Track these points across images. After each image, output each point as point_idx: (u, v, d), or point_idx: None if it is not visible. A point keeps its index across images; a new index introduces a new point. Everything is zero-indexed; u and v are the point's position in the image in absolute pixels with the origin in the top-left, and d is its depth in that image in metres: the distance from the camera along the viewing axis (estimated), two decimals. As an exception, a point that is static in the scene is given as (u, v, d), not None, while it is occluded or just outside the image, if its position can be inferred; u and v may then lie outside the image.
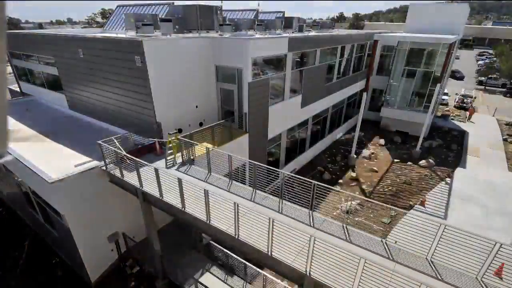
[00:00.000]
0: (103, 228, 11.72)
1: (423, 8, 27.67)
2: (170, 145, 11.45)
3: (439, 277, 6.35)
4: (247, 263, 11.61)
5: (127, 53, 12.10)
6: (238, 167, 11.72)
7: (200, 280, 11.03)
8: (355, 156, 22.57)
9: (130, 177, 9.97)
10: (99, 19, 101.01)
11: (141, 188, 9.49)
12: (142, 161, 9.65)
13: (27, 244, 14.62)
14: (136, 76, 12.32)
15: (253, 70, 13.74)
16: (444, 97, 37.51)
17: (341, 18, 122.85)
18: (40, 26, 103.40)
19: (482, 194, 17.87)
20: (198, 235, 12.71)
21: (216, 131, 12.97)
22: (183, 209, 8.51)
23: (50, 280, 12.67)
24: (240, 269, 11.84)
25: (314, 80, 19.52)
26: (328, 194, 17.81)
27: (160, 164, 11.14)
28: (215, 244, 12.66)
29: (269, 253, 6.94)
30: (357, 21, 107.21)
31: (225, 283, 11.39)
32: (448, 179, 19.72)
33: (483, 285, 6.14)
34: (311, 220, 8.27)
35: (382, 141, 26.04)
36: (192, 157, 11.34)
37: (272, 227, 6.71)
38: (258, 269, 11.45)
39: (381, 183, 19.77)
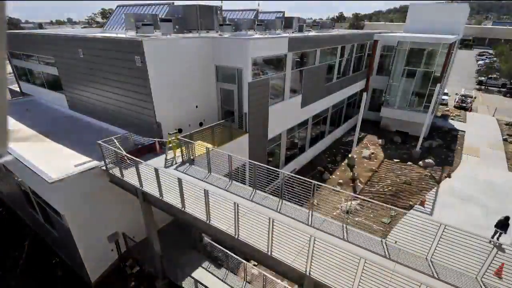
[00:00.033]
0: (103, 228, 11.72)
1: (423, 8, 27.67)
2: (170, 145, 11.45)
3: (439, 277, 6.35)
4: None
5: (127, 53, 12.10)
6: (238, 167, 11.72)
7: (200, 280, 11.03)
8: (355, 156, 22.58)
9: (130, 177, 9.97)
10: (99, 19, 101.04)
11: (141, 188, 9.48)
12: (142, 161, 9.65)
13: (27, 244, 14.62)
14: (136, 76, 12.32)
15: (253, 70, 13.74)
16: (444, 97, 37.51)
17: (341, 18, 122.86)
18: (40, 26, 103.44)
19: (482, 194, 17.87)
20: (198, 235, 12.71)
21: (216, 131, 12.97)
22: (183, 209, 8.51)
23: (50, 280, 12.67)
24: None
25: (314, 80, 19.52)
26: (328, 194, 17.85)
27: (160, 164, 11.14)
28: (212, 242, 12.67)
29: (269, 253, 6.94)
30: (357, 21, 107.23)
31: (225, 283, 11.39)
32: (447, 179, 19.72)
33: (483, 285, 6.14)
34: (311, 220, 8.27)
35: (382, 141, 26.05)
36: (192, 157, 11.34)
37: (272, 227, 6.71)
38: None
39: (381, 183, 19.77)
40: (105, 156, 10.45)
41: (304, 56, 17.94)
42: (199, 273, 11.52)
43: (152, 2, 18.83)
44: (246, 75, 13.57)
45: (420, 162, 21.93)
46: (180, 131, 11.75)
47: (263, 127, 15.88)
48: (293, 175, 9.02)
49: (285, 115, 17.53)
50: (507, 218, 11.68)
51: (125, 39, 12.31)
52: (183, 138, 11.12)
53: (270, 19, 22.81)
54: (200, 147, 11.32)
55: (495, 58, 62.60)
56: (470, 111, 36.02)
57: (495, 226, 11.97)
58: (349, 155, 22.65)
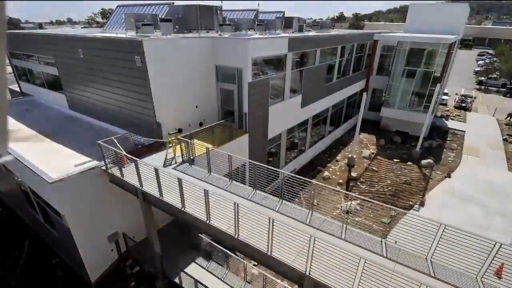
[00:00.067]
0: (103, 228, 11.72)
1: (423, 8, 27.67)
2: (170, 145, 11.46)
3: (439, 277, 6.35)
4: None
5: (127, 53, 12.10)
6: (238, 167, 11.72)
7: (200, 280, 11.03)
8: (354, 156, 22.58)
9: (130, 177, 9.97)
10: (99, 19, 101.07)
11: (141, 188, 9.49)
12: (142, 161, 9.65)
13: (27, 244, 14.62)
14: (136, 76, 12.32)
15: (253, 70, 13.74)
16: (444, 97, 37.50)
17: (341, 18, 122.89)
18: (40, 26, 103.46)
19: (482, 194, 17.88)
20: (196, 237, 12.68)
21: (216, 131, 12.98)
22: (183, 209, 8.51)
23: (50, 280, 12.67)
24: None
25: (314, 80, 19.53)
26: (328, 194, 17.85)
27: (160, 164, 11.15)
28: (212, 242, 12.67)
29: (269, 253, 6.94)
30: (357, 21, 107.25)
31: (225, 283, 11.39)
32: (447, 179, 19.72)
33: (483, 285, 6.14)
34: (311, 220, 8.27)
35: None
36: (192, 157, 11.34)
37: (272, 227, 6.71)
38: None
39: (381, 183, 19.77)
40: (105, 156, 10.46)
41: (304, 56, 17.94)
42: (199, 273, 11.51)
43: (152, 2, 18.83)
44: (246, 75, 13.57)
45: (420, 162, 21.94)
46: (180, 131, 11.75)
47: (263, 127, 15.88)
48: (293, 175, 9.03)
49: (285, 115, 17.54)
50: None
51: (125, 39, 12.31)
52: (183, 138, 11.13)
53: (270, 19, 22.81)
54: (200, 147, 11.32)
55: (495, 58, 62.60)
56: (470, 111, 36.03)
57: None
58: (349, 155, 22.65)
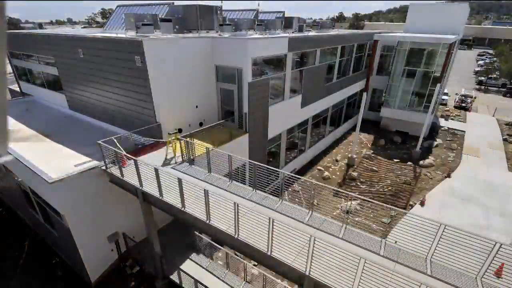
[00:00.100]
0: (103, 228, 11.72)
1: (423, 8, 27.66)
2: (170, 145, 11.46)
3: (439, 277, 6.35)
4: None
5: (127, 53, 12.10)
6: (238, 167, 11.72)
7: (200, 280, 11.03)
8: (354, 156, 22.57)
9: (130, 177, 9.97)
10: (99, 19, 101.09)
11: (141, 188, 9.48)
12: (142, 161, 9.65)
13: (27, 244, 14.62)
14: (136, 76, 12.32)
15: (253, 70, 13.74)
16: (444, 97, 37.51)
17: (341, 18, 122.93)
18: (40, 26, 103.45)
19: (482, 194, 17.88)
20: (194, 237, 12.69)
21: (216, 131, 12.97)
22: (183, 209, 8.51)
23: (50, 280, 12.67)
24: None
25: (314, 80, 19.53)
26: (328, 194, 17.85)
27: (160, 164, 11.14)
28: (212, 242, 12.67)
29: (269, 253, 6.94)
30: (357, 21, 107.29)
31: (225, 283, 11.39)
32: (448, 179, 19.72)
33: (483, 285, 6.14)
34: (311, 220, 8.27)
35: (382, 141, 26.06)
36: (192, 157, 11.34)
37: (272, 227, 6.71)
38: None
39: (381, 183, 19.77)
40: (105, 156, 10.45)
41: (304, 56, 17.95)
42: (199, 273, 11.51)
43: (152, 2, 18.84)
44: (246, 75, 13.57)
45: (420, 162, 21.94)
46: (180, 131, 11.75)
47: (263, 127, 15.88)
48: (293, 175, 9.04)
49: (285, 115, 17.54)
50: None
51: (125, 39, 12.31)
52: (183, 138, 11.13)
53: (270, 19, 22.82)
54: (200, 147, 11.32)
55: (495, 58, 62.63)
56: (470, 111, 36.03)
57: None
58: (349, 155, 22.65)
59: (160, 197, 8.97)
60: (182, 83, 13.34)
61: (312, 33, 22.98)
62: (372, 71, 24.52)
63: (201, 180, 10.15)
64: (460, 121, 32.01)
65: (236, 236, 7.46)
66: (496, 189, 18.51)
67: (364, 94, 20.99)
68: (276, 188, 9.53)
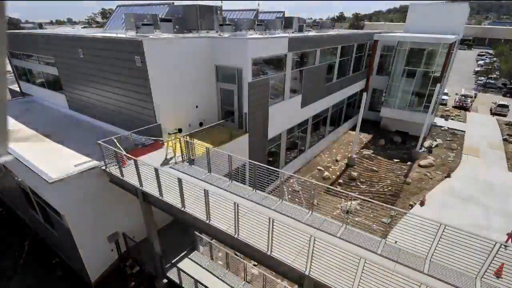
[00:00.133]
0: (103, 228, 11.72)
1: (423, 8, 27.66)
2: (170, 145, 11.46)
3: (439, 277, 6.35)
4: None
5: (127, 53, 12.10)
6: (238, 167, 11.72)
7: (200, 280, 11.03)
8: (354, 156, 22.57)
9: (130, 177, 9.97)
10: (99, 19, 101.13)
11: (141, 188, 9.48)
12: (142, 161, 9.65)
13: (27, 244, 14.62)
14: (136, 76, 12.32)
15: (253, 70, 13.74)
16: (444, 97, 37.51)
17: (341, 18, 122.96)
18: (40, 26, 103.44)
19: (482, 194, 17.88)
20: (194, 237, 12.69)
21: (216, 131, 12.97)
22: (183, 209, 8.50)
23: (50, 280, 12.67)
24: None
25: (314, 80, 19.53)
26: (328, 194, 17.85)
27: (160, 164, 11.14)
28: (212, 242, 12.68)
29: (269, 253, 6.94)
30: (357, 21, 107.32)
31: (225, 283, 11.39)
32: (448, 179, 19.73)
33: (483, 285, 6.14)
34: (311, 220, 8.27)
35: (382, 141, 26.06)
36: (192, 157, 11.34)
37: (272, 227, 6.71)
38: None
39: (381, 183, 19.77)
40: (105, 156, 10.45)
41: (304, 56, 17.95)
42: (199, 273, 11.51)
43: (152, 2, 18.84)
44: (246, 75, 13.57)
45: (420, 162, 21.94)
46: (180, 131, 11.75)
47: (263, 127, 15.88)
48: (293, 175, 9.04)
49: (285, 115, 17.54)
50: None
51: (125, 39, 12.31)
52: (183, 138, 11.13)
53: (270, 19, 22.82)
54: (200, 147, 11.32)
55: (495, 58, 62.65)
56: (470, 111, 36.03)
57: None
58: (349, 155, 22.65)
59: (160, 197, 8.97)
60: (182, 83, 13.34)
61: (312, 33, 22.98)
62: (372, 71, 24.53)
63: (201, 180, 10.15)
64: (460, 121, 32.02)
65: (236, 236, 7.46)
66: (496, 189, 18.51)
67: (364, 94, 20.99)
68: (276, 188, 9.53)
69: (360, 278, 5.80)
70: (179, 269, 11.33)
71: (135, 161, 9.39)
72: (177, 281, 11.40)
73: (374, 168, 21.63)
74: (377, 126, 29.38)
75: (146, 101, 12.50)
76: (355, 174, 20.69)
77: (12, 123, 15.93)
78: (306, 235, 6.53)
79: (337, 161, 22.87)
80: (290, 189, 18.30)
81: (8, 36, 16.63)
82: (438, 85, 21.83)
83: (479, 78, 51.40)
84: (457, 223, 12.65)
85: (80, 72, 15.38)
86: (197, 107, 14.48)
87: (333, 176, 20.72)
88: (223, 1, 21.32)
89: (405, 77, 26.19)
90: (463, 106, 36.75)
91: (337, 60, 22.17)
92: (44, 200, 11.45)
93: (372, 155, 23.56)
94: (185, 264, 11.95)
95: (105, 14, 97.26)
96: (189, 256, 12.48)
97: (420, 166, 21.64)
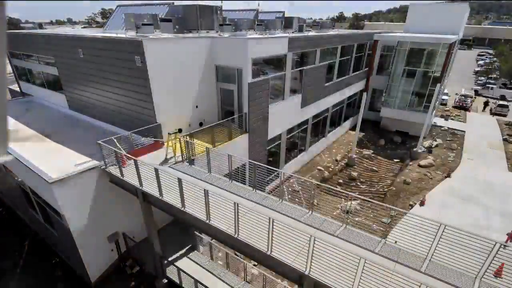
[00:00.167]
0: (103, 228, 11.72)
1: (423, 8, 27.67)
2: (170, 145, 11.46)
3: (439, 277, 6.35)
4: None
5: (127, 53, 12.10)
6: (238, 167, 11.72)
7: (200, 280, 11.03)
8: (354, 156, 22.57)
9: (130, 177, 9.97)
10: (99, 19, 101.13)
11: (141, 188, 9.49)
12: (142, 161, 9.65)
13: (27, 244, 14.62)
14: (136, 76, 12.32)
15: (253, 70, 13.74)
16: (444, 97, 37.52)
17: (341, 18, 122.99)
18: (40, 26, 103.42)
19: (482, 194, 17.87)
20: (194, 237, 12.69)
21: (216, 131, 12.97)
22: (183, 209, 8.51)
23: (50, 280, 12.67)
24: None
25: (314, 80, 19.52)
26: (328, 194, 17.85)
27: (160, 164, 11.15)
28: (212, 242, 12.68)
29: (269, 253, 6.94)
30: (357, 21, 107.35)
31: (225, 283, 11.39)
32: (448, 179, 19.73)
33: (483, 285, 6.14)
34: (311, 220, 8.27)
35: (382, 141, 26.06)
36: (192, 157, 11.34)
37: (272, 227, 6.71)
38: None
39: (381, 183, 19.77)
40: (105, 156, 10.46)
41: (304, 56, 17.95)
42: (199, 273, 11.51)
43: (152, 2, 18.84)
44: (246, 75, 13.57)
45: (420, 162, 21.94)
46: (180, 131, 11.76)
47: (263, 127, 15.88)
48: (293, 175, 9.04)
49: (285, 115, 17.54)
50: None
51: (125, 39, 12.31)
52: (183, 138, 11.13)
53: (270, 19, 22.80)
54: (200, 147, 11.32)
55: (495, 58, 62.68)
56: (470, 111, 36.04)
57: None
58: (349, 155, 22.65)
59: (160, 197, 8.97)
60: (182, 83, 13.34)
61: (312, 33, 22.98)
62: (372, 71, 24.54)
63: (201, 180, 10.15)
64: (460, 121, 32.02)
65: (236, 236, 7.46)
66: (496, 189, 18.51)
67: (364, 94, 21.00)
68: (276, 188, 9.54)
69: (360, 278, 5.80)
70: (179, 269, 11.33)
71: (135, 161, 9.39)
72: (177, 281, 11.40)
73: (374, 168, 21.63)
74: (377, 126, 29.38)
75: (146, 101, 12.50)
76: (355, 174, 20.69)
77: (12, 123, 15.93)
78: (306, 235, 6.53)
79: (337, 161, 22.87)
80: (290, 189, 18.30)
81: (8, 36, 16.56)
82: (438, 85, 21.83)
83: (479, 78, 51.40)
84: (457, 223, 12.64)
85: (80, 72, 15.39)
86: (197, 107, 14.48)
87: (333, 176, 20.71)
88: (223, 1, 21.34)
89: (405, 77, 26.19)
90: (463, 106, 36.76)
91: (337, 60, 22.16)
92: (44, 200, 11.46)
93: (372, 155, 23.57)
94: (185, 264, 11.94)
95: (105, 14, 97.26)
96: (189, 256, 12.48)
97: (420, 166, 21.63)
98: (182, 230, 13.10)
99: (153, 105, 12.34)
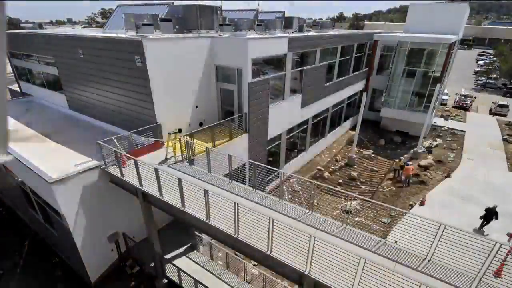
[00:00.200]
0: (103, 228, 11.72)
1: (423, 8, 27.67)
2: (170, 145, 11.46)
3: (439, 277, 6.35)
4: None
5: (127, 53, 12.10)
6: (238, 167, 11.72)
7: (200, 280, 11.03)
8: (354, 156, 22.57)
9: (130, 177, 9.97)
10: (99, 19, 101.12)
11: (141, 188, 9.49)
12: (142, 161, 9.65)
13: (27, 244, 14.62)
14: (136, 76, 12.32)
15: (253, 70, 13.74)
16: (444, 97, 37.52)
17: (341, 18, 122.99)
18: (40, 26, 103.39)
19: (482, 194, 17.87)
20: (194, 237, 12.69)
21: (216, 131, 12.97)
22: (183, 209, 8.51)
23: (50, 280, 12.67)
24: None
25: (314, 80, 19.52)
26: (328, 194, 17.86)
27: (160, 163, 11.14)
28: (212, 242, 12.67)
29: (269, 253, 6.94)
30: (357, 21, 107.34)
31: (225, 282, 11.39)
32: (447, 179, 19.72)
33: (483, 285, 6.14)
34: (311, 220, 8.27)
35: (382, 141, 26.06)
36: (192, 157, 11.34)
37: (272, 227, 6.71)
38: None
39: (380, 183, 19.76)
40: (105, 156, 10.46)
41: (304, 56, 17.94)
42: (199, 273, 11.51)
43: (152, 2, 18.84)
44: (246, 75, 13.57)
45: (420, 162, 21.93)
46: (180, 131, 11.75)
47: (263, 127, 15.88)
48: (293, 175, 9.04)
49: (285, 115, 17.53)
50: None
51: (125, 39, 12.31)
52: (183, 138, 11.13)
53: (270, 19, 22.79)
54: (200, 147, 11.32)
55: (495, 58, 62.68)
56: (470, 111, 36.04)
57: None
58: (349, 155, 22.65)
59: (160, 197, 8.97)
60: (182, 83, 13.34)
61: (312, 33, 22.98)
62: (372, 71, 24.56)
63: (201, 180, 10.15)
64: (460, 121, 32.02)
65: (236, 236, 7.46)
66: (496, 189, 18.50)
67: (364, 94, 21.01)
68: (276, 188, 9.54)
69: (360, 278, 5.80)
70: (179, 269, 11.33)
71: (135, 161, 9.39)
72: (177, 281, 11.40)
73: (374, 168, 21.62)
74: (377, 126, 29.38)
75: (146, 101, 12.50)
76: (355, 174, 20.69)
77: (12, 123, 15.93)
78: (306, 235, 6.53)
79: (337, 161, 22.87)
80: (290, 189, 18.30)
81: (8, 36, 16.55)
82: (438, 85, 21.84)
83: (479, 78, 51.39)
84: (457, 223, 12.63)
85: (80, 72, 15.38)
86: (197, 107, 14.48)
87: (333, 176, 20.71)
88: (223, 1, 21.34)
89: (405, 77, 26.19)
90: (463, 106, 36.77)
91: (337, 60, 22.16)
92: (44, 200, 11.46)
93: (372, 155, 23.56)
94: (185, 264, 11.95)
95: (105, 14, 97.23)
96: (189, 256, 12.48)
97: (420, 166, 21.63)
98: (182, 230, 13.10)
99: (153, 105, 12.34)
